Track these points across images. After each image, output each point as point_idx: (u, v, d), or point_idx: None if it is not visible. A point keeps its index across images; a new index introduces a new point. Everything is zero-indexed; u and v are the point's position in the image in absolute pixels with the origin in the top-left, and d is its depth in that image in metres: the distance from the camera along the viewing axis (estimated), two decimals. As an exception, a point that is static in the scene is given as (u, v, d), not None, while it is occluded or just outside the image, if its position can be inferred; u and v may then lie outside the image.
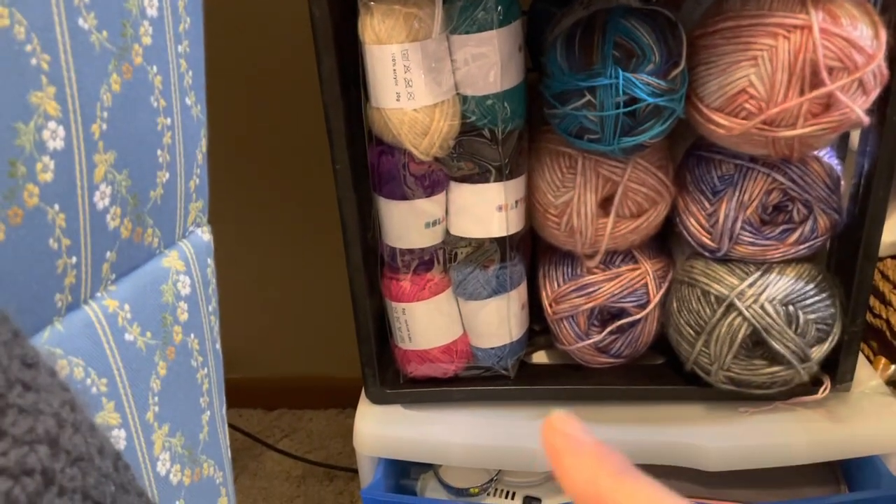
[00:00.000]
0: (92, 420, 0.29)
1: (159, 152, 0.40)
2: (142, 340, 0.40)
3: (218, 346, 0.49)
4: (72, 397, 0.27)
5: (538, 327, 0.72)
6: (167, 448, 0.41)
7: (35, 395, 0.24)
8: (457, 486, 0.67)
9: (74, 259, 0.35)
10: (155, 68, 0.39)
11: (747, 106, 0.53)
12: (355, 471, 1.10)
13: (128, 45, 0.37)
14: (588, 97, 0.50)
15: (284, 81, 1.03)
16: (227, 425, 0.51)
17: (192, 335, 0.44)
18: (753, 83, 0.52)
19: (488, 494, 0.67)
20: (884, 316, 0.77)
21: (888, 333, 0.76)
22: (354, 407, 1.24)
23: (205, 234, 0.47)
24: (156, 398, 0.41)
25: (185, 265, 0.44)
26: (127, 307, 0.39)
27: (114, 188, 0.37)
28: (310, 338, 1.21)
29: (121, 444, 0.38)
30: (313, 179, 1.07)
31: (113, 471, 0.30)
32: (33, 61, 0.31)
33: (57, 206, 0.34)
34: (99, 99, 0.35)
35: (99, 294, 0.38)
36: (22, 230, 0.32)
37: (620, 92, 0.49)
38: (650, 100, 0.49)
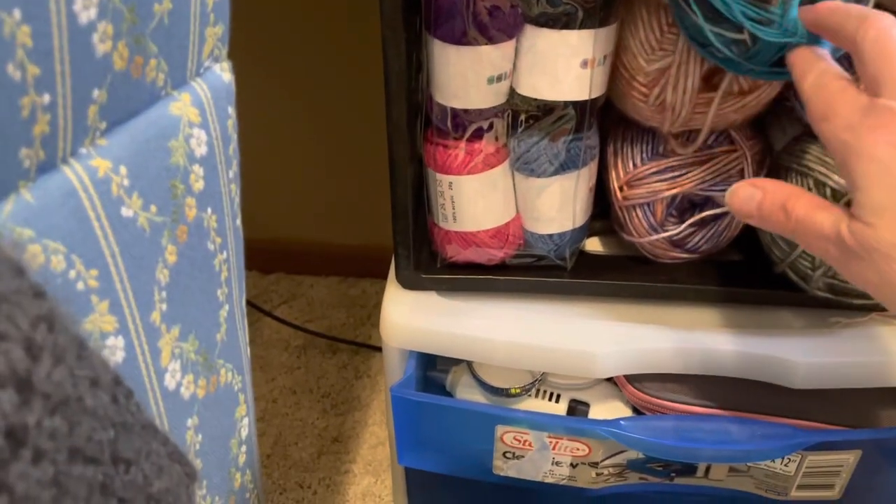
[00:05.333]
0: (79, 336, 0.21)
1: (167, -56, 0.27)
2: (144, 216, 0.29)
3: (239, 221, 0.38)
4: (49, 308, 0.19)
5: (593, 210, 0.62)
6: (177, 356, 0.31)
7: None
8: (495, 384, 0.59)
9: (47, 97, 0.24)
10: None
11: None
12: (360, 344, 1.03)
13: None
14: (745, 35, 0.38)
15: None
16: (245, 317, 0.41)
17: (209, 209, 0.33)
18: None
19: (530, 396, 0.60)
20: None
21: None
22: (357, 276, 1.16)
23: (225, 73, 0.35)
24: (163, 293, 0.31)
25: (201, 114, 0.32)
26: (123, 170, 0.28)
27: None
28: (312, 199, 1.10)
29: (117, 357, 0.28)
30: (338, 7, 0.91)
31: (111, 405, 0.22)
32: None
33: (17, 11, 0.22)
34: None
35: (84, 150, 0.27)
36: (-40, 45, 0.20)
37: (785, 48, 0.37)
38: None
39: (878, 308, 0.55)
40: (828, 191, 0.50)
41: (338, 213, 1.10)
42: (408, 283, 0.58)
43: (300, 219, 1.12)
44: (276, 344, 1.03)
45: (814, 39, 0.41)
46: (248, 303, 1.05)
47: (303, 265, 1.15)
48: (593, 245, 0.63)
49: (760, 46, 0.43)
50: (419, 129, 0.54)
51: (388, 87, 0.49)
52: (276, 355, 1.02)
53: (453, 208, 0.55)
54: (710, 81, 0.50)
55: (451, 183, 0.54)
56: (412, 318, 0.57)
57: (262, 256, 1.13)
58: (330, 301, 1.09)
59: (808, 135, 0.52)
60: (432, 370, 0.63)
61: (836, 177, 0.50)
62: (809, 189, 0.51)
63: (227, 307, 0.37)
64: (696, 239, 0.57)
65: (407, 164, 0.52)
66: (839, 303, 0.53)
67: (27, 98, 0.23)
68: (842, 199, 0.50)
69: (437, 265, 0.59)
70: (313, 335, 1.03)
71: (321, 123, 1.01)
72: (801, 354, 0.53)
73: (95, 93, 0.26)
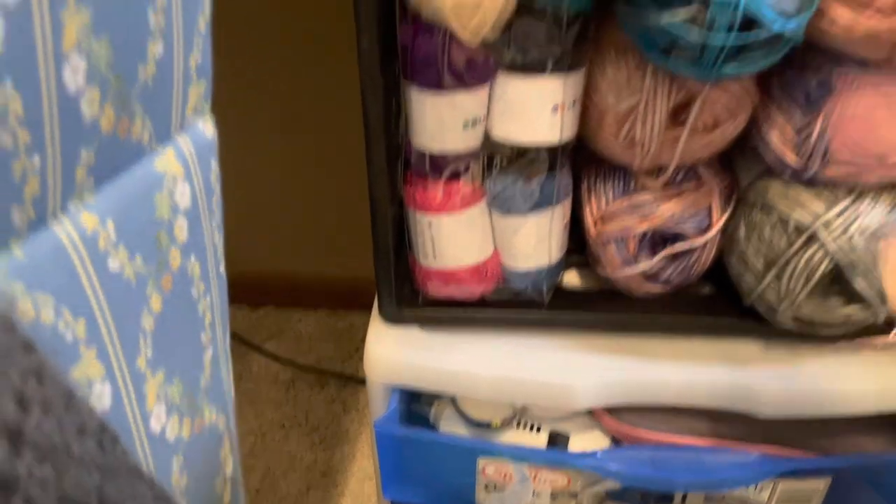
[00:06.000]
0: (67, 386, 0.22)
1: (150, 13, 0.29)
2: (130, 268, 0.30)
3: (222, 268, 0.40)
4: (38, 362, 0.20)
5: (568, 245, 0.64)
6: (162, 399, 0.33)
7: None
8: (477, 417, 0.60)
9: (37, 159, 0.25)
10: None
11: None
12: (348, 377, 1.04)
13: None
14: (696, 6, 0.40)
15: None
16: (230, 359, 0.43)
17: (193, 258, 0.35)
18: (895, -32, 0.41)
19: (511, 428, 0.61)
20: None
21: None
22: (346, 308, 1.17)
23: (207, 128, 0.36)
24: (148, 340, 0.32)
25: (184, 168, 0.34)
26: (110, 224, 0.29)
27: (90, 61, 0.26)
28: (300, 232, 1.11)
29: (104, 403, 0.30)
30: (319, 53, 0.94)
31: (98, 452, 0.23)
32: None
33: (9, 82, 0.23)
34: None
35: (72, 207, 0.28)
36: (-43, 119, 0.22)
37: (740, 12, 0.38)
38: (776, 27, 0.39)
39: (843, 337, 0.56)
40: (790, 226, 0.52)
41: (325, 246, 1.12)
42: (390, 319, 0.60)
43: (288, 253, 1.14)
44: (265, 378, 1.04)
45: None
46: (237, 337, 1.06)
47: (291, 299, 1.16)
48: (570, 279, 0.65)
49: (714, 13, 0.42)
50: (399, 171, 0.56)
51: (368, 132, 0.51)
52: (265, 389, 1.02)
53: (433, 246, 0.57)
54: (677, 118, 0.52)
55: (430, 222, 0.55)
56: (395, 353, 0.58)
57: (251, 291, 1.15)
58: (318, 334, 1.11)
59: (772, 172, 0.55)
60: (416, 404, 0.65)
61: (797, 213, 0.52)
62: (773, 224, 0.54)
63: (210, 350, 0.38)
64: (668, 272, 0.58)
65: (388, 205, 0.54)
66: (806, 333, 0.55)
67: (18, 162, 0.25)
68: (804, 233, 0.52)
69: (419, 301, 0.60)
70: (301, 369, 1.04)
71: (309, 161, 1.03)
72: (769, 384, 0.55)
73: (84, 154, 0.28)
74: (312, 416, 0.99)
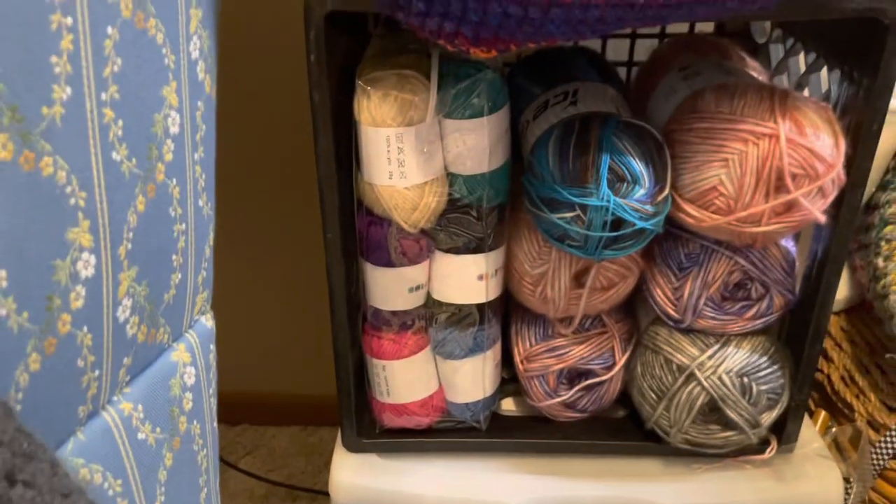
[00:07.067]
0: (54, 460, 0.27)
1: (174, 257, 0.42)
2: (152, 437, 0.42)
3: (216, 423, 0.51)
4: (29, 442, 0.26)
5: (507, 375, 0.76)
6: (171, 533, 0.43)
7: None
8: (428, 531, 0.70)
9: (97, 372, 0.37)
10: (174, 180, 0.41)
11: (717, 202, 0.57)
12: (317, 491, 1.12)
13: (153, 167, 0.38)
14: (577, 212, 0.54)
15: (281, 139, 1.04)
16: (218, 494, 0.53)
17: (195, 422, 0.46)
18: (724, 182, 0.56)
19: (457, 540, 0.71)
20: (825, 371, 0.83)
21: (828, 388, 0.82)
22: (317, 425, 1.27)
23: (208, 321, 0.48)
24: (162, 488, 0.43)
25: (191, 356, 0.45)
26: (140, 407, 0.41)
27: (134, 300, 0.39)
28: (273, 354, 1.22)
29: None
30: (289, 181, 1.08)
31: None
32: (72, 201, 0.33)
33: (85, 328, 0.35)
34: (126, 221, 0.37)
35: (115, 398, 0.40)
36: (55, 358, 0.34)
37: (610, 214, 0.52)
38: (639, 224, 0.53)
39: (727, 456, 0.68)
40: (674, 366, 0.65)
41: (297, 366, 1.22)
42: (351, 447, 0.70)
43: (263, 372, 1.24)
44: (241, 494, 1.12)
45: (617, 204, 0.53)
46: (215, 455, 1.15)
47: (266, 416, 1.25)
48: (508, 405, 0.76)
49: (591, 216, 0.55)
50: (359, 324, 0.68)
51: (332, 298, 0.63)
52: (241, 505, 1.11)
53: (387, 385, 0.68)
54: (579, 280, 0.65)
55: (384, 366, 0.67)
56: (356, 478, 0.69)
57: (228, 410, 1.24)
58: (291, 450, 1.20)
59: (660, 319, 0.68)
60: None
61: (679, 355, 0.65)
62: (661, 364, 0.66)
63: (205, 490, 0.49)
64: (584, 402, 0.70)
65: (349, 353, 0.66)
66: (697, 453, 0.67)
67: (86, 377, 0.36)
68: (684, 372, 0.64)
69: (377, 431, 0.71)
70: (275, 485, 1.12)
71: (281, 293, 1.15)
72: (668, 498, 0.66)
73: (125, 360, 0.40)
74: (285, 529, 1.07)
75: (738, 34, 0.84)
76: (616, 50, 0.85)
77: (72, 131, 0.32)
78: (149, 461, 0.41)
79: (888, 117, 0.59)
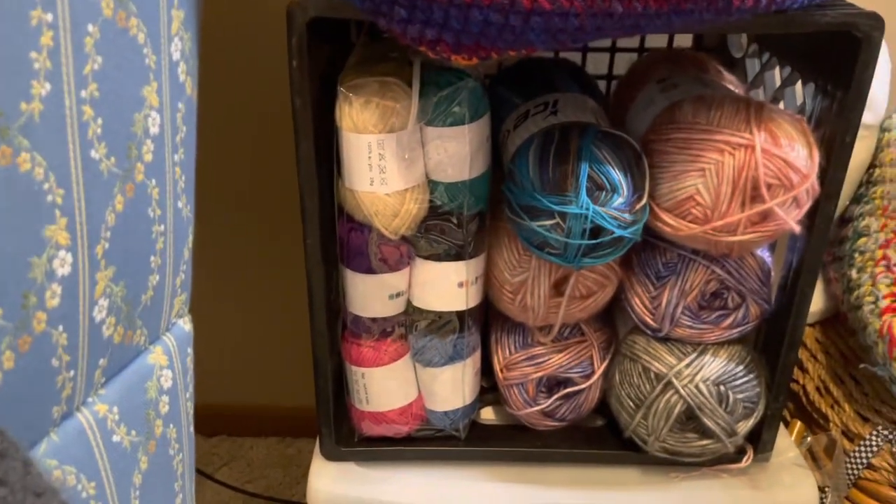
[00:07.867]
0: (27, 460, 0.27)
1: (152, 258, 0.42)
2: (127, 440, 0.41)
3: (192, 428, 0.50)
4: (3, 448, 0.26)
5: (487, 384, 0.76)
6: (145, 538, 0.43)
7: None
8: (406, 541, 0.70)
9: (72, 373, 0.37)
10: (154, 181, 0.40)
11: (694, 211, 0.57)
12: (295, 503, 1.11)
13: (132, 166, 0.38)
14: (557, 220, 0.54)
15: (260, 143, 1.04)
16: (194, 499, 0.53)
17: (171, 425, 0.46)
18: (700, 192, 0.57)
19: (435, 549, 0.71)
20: (801, 382, 0.84)
21: (804, 399, 0.83)
22: (294, 436, 1.26)
23: (186, 325, 0.48)
24: (137, 492, 0.42)
25: (168, 359, 0.45)
26: (115, 409, 0.40)
27: (111, 301, 0.38)
28: (250, 365, 1.22)
29: (106, 544, 0.40)
30: (268, 187, 1.07)
31: None
32: (49, 198, 0.33)
33: (61, 328, 0.35)
34: (104, 220, 0.37)
35: (90, 399, 0.39)
36: (29, 356, 0.34)
37: (589, 222, 0.53)
38: (617, 232, 0.54)
39: (704, 464, 0.68)
40: (651, 374, 0.65)
41: (275, 377, 1.21)
42: (330, 456, 0.70)
43: (241, 383, 1.23)
44: (216, 505, 1.11)
45: (596, 212, 0.54)
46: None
47: (243, 427, 1.24)
48: (487, 414, 0.76)
49: (570, 223, 0.55)
50: (339, 331, 0.68)
51: (312, 304, 0.63)
52: (217, 516, 1.09)
53: (366, 393, 0.68)
54: (558, 289, 0.66)
55: (363, 373, 0.67)
56: (334, 486, 0.68)
57: (205, 420, 1.23)
58: (268, 461, 1.18)
59: (638, 328, 0.68)
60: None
61: (657, 363, 0.65)
62: (639, 373, 0.67)
63: (181, 495, 0.48)
64: (563, 410, 0.70)
65: (328, 361, 0.66)
66: (674, 461, 0.67)
67: (60, 377, 0.36)
68: (662, 380, 0.65)
69: (355, 439, 0.71)
70: (252, 496, 1.11)
71: (259, 303, 1.15)
72: (645, 505, 0.66)
73: (101, 361, 0.39)
74: (262, 541, 1.06)
75: (715, 49, 0.85)
76: (596, 63, 0.87)
77: (50, 128, 0.32)
78: (123, 464, 0.41)
79: (861, 131, 0.60)
